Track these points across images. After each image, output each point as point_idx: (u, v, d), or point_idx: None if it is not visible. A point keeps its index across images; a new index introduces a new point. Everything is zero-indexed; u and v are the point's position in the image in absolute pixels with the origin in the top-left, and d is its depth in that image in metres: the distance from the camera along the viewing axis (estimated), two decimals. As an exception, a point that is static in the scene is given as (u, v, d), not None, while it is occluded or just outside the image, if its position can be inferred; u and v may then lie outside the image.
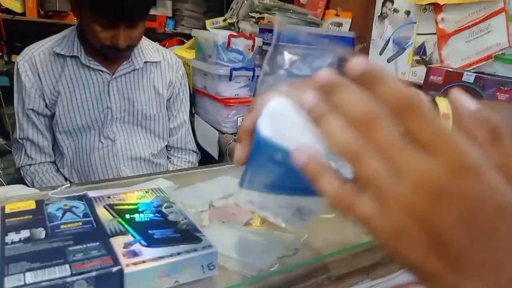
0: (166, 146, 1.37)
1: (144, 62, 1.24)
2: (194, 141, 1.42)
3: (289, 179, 0.31)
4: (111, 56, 1.15)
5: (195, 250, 0.46)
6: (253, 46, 1.42)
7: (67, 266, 0.41)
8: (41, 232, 0.48)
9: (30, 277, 0.39)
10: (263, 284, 0.47)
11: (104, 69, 1.18)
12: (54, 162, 1.27)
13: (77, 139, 1.21)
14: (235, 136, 1.42)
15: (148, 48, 1.28)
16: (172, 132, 1.36)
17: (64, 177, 1.25)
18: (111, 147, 1.21)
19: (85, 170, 1.22)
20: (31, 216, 0.52)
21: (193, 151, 1.41)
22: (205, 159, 1.47)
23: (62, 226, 0.50)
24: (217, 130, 1.45)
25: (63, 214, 0.53)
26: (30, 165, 1.22)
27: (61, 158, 1.24)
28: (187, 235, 0.49)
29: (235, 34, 1.43)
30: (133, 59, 1.22)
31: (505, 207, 0.22)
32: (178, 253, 0.44)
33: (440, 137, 0.22)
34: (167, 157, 1.39)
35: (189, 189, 0.75)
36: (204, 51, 1.47)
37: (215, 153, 1.45)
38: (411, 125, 0.23)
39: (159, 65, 1.29)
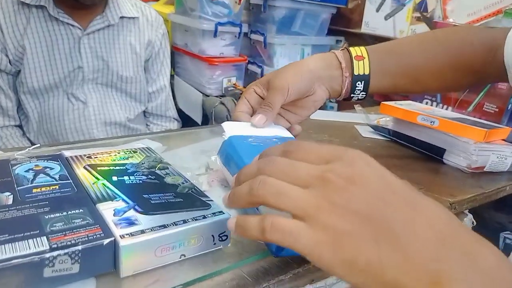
0: (145, 112, 1.27)
1: (120, 17, 1.12)
2: (175, 107, 1.32)
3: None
4: (83, 2, 1.02)
5: (204, 217, 0.37)
6: (240, -1, 1.30)
7: (44, 238, 0.32)
8: (7, 198, 0.38)
9: (-5, 253, 0.29)
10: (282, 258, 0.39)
11: (75, 23, 1.06)
12: (19, 126, 1.15)
13: (43, 101, 1.09)
14: (221, 98, 1.32)
15: (124, 2, 1.15)
16: (151, 97, 1.26)
17: (31, 142, 1.14)
18: (82, 110, 1.10)
19: (54, 134, 1.11)
20: (-7, 178, 0.42)
21: (174, 118, 1.31)
22: (187, 126, 1.37)
23: (34, 190, 0.40)
24: (201, 92, 1.35)
25: (35, 176, 0.43)
26: (-8, 129, 1.10)
27: (27, 121, 1.13)
28: (191, 199, 0.41)
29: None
30: (107, 13, 1.09)
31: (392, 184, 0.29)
32: (184, 221, 0.36)
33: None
34: (146, 124, 1.29)
35: (180, 150, 0.66)
36: (185, 3, 1.34)
37: (198, 118, 1.35)
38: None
39: (137, 21, 1.17)
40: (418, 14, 1.16)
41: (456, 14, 1.05)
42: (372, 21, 1.30)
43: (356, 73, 0.59)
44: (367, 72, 0.59)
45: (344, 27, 1.59)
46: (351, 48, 0.60)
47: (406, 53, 0.62)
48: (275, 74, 0.57)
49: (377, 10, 1.26)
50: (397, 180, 0.29)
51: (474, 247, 0.26)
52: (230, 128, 0.53)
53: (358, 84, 0.59)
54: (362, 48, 0.60)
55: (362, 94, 0.61)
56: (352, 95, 0.61)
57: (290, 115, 0.61)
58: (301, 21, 1.48)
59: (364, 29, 1.33)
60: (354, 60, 0.59)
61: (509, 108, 0.86)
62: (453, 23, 0.91)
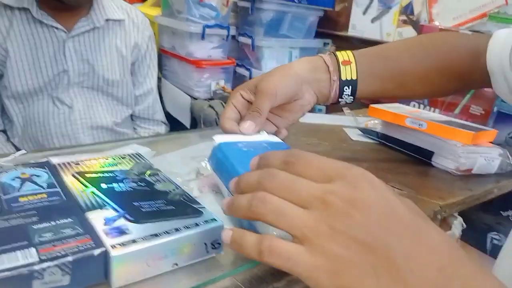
0: (132, 116, 1.26)
1: (106, 19, 1.10)
2: (162, 110, 1.30)
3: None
4: (67, 3, 1.01)
5: (196, 225, 0.37)
6: (227, 2, 1.30)
7: (33, 249, 0.31)
8: (-7, 207, 0.37)
9: (-19, 267, 0.29)
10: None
11: (59, 26, 1.04)
12: (3, 132, 1.13)
13: (28, 105, 1.07)
14: (209, 101, 1.31)
15: (110, 4, 1.14)
16: (138, 101, 1.24)
17: (16, 147, 1.11)
18: (68, 114, 1.09)
19: (39, 139, 1.09)
20: (-22, 187, 0.41)
21: (161, 121, 1.30)
22: (175, 129, 1.36)
23: (21, 199, 0.39)
24: (189, 95, 1.34)
25: (21, 185, 0.42)
26: (-25, 134, 1.08)
27: (11, 126, 1.11)
28: (183, 207, 0.40)
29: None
30: (92, 15, 1.08)
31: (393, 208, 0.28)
32: (176, 230, 0.36)
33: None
34: (133, 128, 1.27)
35: (170, 155, 0.65)
36: (172, 6, 1.33)
37: (187, 121, 1.34)
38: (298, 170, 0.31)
39: (122, 24, 1.16)
40: (404, 17, 1.17)
41: (441, 17, 1.07)
42: (359, 24, 1.31)
43: (343, 78, 0.58)
44: (354, 77, 0.59)
45: (331, 29, 1.60)
46: (337, 53, 0.60)
47: (393, 58, 0.62)
48: (262, 78, 0.56)
49: (364, 13, 1.27)
50: (402, 204, 0.28)
51: (474, 278, 0.26)
52: (221, 140, 0.52)
53: (346, 89, 0.59)
54: (349, 52, 0.60)
55: (350, 98, 0.61)
56: (340, 99, 0.60)
57: (277, 119, 0.59)
58: (288, 24, 1.48)
59: (351, 32, 1.34)
60: (341, 65, 0.58)
61: (494, 111, 0.88)
62: (439, 26, 0.92)
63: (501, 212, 0.94)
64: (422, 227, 0.28)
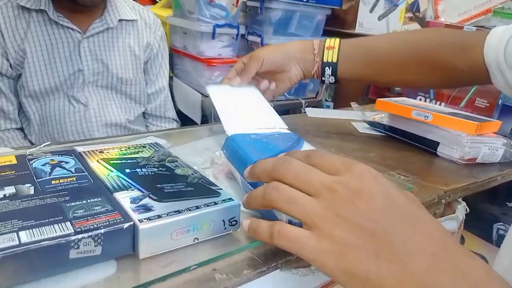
0: (144, 113, 1.29)
1: (119, 20, 1.14)
2: (174, 108, 1.34)
3: None
4: (82, 4, 1.04)
5: (215, 203, 0.40)
6: (237, 1, 1.33)
7: (68, 223, 0.34)
8: (29, 188, 0.40)
9: (25, 236, 0.32)
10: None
11: (75, 27, 1.08)
12: (20, 129, 1.17)
13: (44, 103, 1.11)
14: (219, 98, 1.34)
15: (123, 5, 1.17)
16: (150, 99, 1.27)
17: (32, 144, 1.15)
18: (83, 112, 1.12)
19: (55, 137, 1.13)
20: (13, 171, 0.44)
21: (173, 119, 1.33)
22: (187, 126, 1.39)
23: (53, 182, 0.42)
24: (200, 93, 1.37)
25: (52, 169, 0.46)
26: (-6, 132, 1.12)
27: (28, 124, 1.14)
28: (202, 188, 0.43)
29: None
30: (106, 16, 1.11)
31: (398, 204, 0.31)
32: (197, 207, 0.39)
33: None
34: (146, 125, 1.31)
35: (185, 146, 0.68)
36: (183, 7, 1.36)
37: (197, 118, 1.38)
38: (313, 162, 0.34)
39: (135, 24, 1.19)
40: (410, 14, 1.19)
41: (447, 13, 1.09)
42: (366, 22, 1.33)
43: (325, 60, 0.71)
44: (335, 60, 0.71)
45: (339, 28, 1.62)
46: (327, 39, 0.72)
47: (373, 47, 0.71)
48: (259, 48, 0.74)
49: (371, 11, 1.29)
50: (402, 196, 0.31)
51: (465, 261, 0.28)
52: (215, 90, 0.72)
53: (327, 69, 0.71)
54: (337, 39, 0.72)
55: (332, 78, 0.72)
56: (322, 77, 0.73)
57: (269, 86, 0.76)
58: (297, 23, 1.51)
59: (358, 30, 1.36)
60: (325, 49, 0.71)
61: (499, 103, 0.90)
62: (445, 23, 0.94)
63: (507, 203, 0.96)
64: (420, 216, 0.31)
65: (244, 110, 0.69)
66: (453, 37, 0.66)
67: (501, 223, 0.96)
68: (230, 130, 0.58)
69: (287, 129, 0.63)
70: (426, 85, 0.83)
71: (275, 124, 0.64)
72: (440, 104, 0.93)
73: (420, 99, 0.96)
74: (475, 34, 0.65)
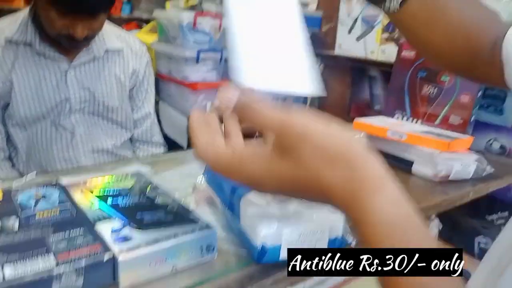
0: (131, 138, 1.30)
1: (106, 50, 1.16)
2: (160, 133, 1.35)
3: None
4: (67, 46, 1.06)
5: (193, 231, 0.42)
6: (220, 26, 1.37)
7: (51, 255, 0.36)
8: (14, 222, 0.42)
9: (9, 271, 0.33)
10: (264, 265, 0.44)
11: (62, 57, 1.09)
12: (8, 158, 1.17)
13: (31, 132, 1.12)
14: (205, 121, 1.36)
15: (109, 34, 1.19)
16: (137, 124, 1.28)
17: (20, 173, 1.16)
18: (70, 139, 1.13)
19: (42, 164, 1.13)
20: (-1, 206, 0.46)
21: (160, 143, 1.35)
22: (173, 150, 1.41)
23: (37, 215, 0.44)
24: (185, 117, 1.40)
25: (36, 203, 0.47)
26: (-19, 162, 1.12)
27: (16, 153, 1.15)
28: (181, 217, 0.45)
29: (202, 12, 1.37)
30: (93, 46, 1.13)
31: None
32: (175, 235, 0.41)
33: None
34: (133, 150, 1.32)
35: (168, 174, 0.70)
36: (167, 33, 1.40)
37: (183, 142, 1.40)
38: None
39: (121, 53, 1.21)
40: (387, 35, 1.24)
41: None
42: (345, 43, 1.37)
43: None
44: None
45: (319, 49, 1.67)
46: None
47: None
48: None
49: (349, 32, 1.34)
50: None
51: (359, 162, 0.30)
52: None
53: None
54: None
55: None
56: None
57: None
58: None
59: (337, 52, 1.40)
60: None
61: (472, 120, 0.93)
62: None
63: (486, 216, 0.99)
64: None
65: (271, 43, 0.41)
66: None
67: (482, 236, 0.99)
68: (247, 80, 0.38)
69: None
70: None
71: (304, 81, 0.40)
72: (416, 122, 0.97)
73: (398, 117, 1.00)
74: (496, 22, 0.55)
